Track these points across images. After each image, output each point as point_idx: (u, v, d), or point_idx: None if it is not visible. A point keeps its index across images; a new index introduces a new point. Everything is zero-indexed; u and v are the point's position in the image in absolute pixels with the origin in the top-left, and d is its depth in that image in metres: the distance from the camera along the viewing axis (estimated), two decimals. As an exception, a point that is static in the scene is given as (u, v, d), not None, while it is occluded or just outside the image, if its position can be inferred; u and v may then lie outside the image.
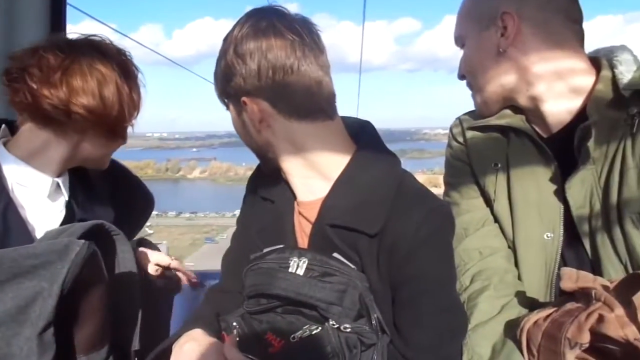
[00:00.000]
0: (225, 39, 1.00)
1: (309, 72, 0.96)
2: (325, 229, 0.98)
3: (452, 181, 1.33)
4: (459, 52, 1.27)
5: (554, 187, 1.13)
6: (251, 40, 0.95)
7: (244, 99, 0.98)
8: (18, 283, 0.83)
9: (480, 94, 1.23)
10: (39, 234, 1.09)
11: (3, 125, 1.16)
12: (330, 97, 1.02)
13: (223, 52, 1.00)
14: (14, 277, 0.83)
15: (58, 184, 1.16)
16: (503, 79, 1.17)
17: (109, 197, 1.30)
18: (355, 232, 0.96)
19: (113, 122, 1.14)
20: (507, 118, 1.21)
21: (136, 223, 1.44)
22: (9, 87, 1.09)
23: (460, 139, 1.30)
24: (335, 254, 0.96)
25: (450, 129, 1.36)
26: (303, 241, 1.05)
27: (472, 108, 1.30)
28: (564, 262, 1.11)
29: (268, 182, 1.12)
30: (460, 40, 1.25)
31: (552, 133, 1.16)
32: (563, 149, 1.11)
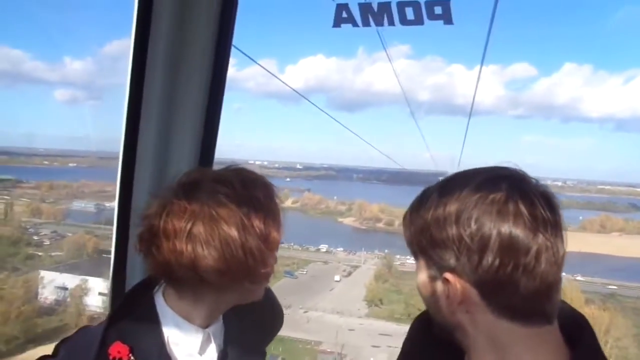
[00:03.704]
0: (444, 191, 0.83)
1: (544, 274, 0.78)
2: None
3: None
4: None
5: None
6: (483, 217, 0.78)
7: (447, 275, 0.83)
8: None
9: None
10: None
11: None
12: (557, 299, 0.83)
13: (439, 211, 0.82)
14: None
15: (209, 335, 1.18)
16: None
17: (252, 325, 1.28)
18: None
19: (247, 273, 1.10)
20: None
21: (266, 340, 1.38)
22: (142, 251, 1.11)
23: None
24: None
25: None
26: None
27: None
28: None
29: (445, 355, 0.95)
30: None
31: None
32: None
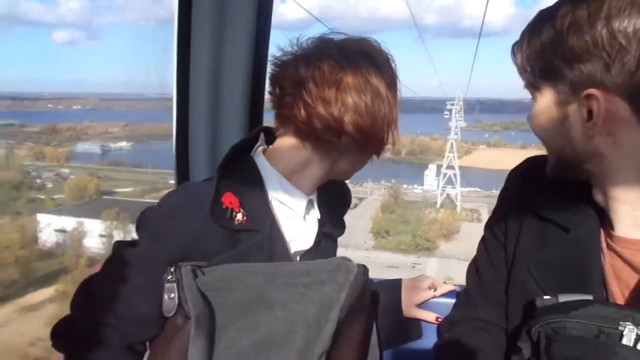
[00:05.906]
0: None
1: None
2: None
3: None
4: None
5: None
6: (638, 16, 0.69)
7: (591, 91, 0.74)
8: (286, 303, 0.84)
9: None
10: (294, 254, 1.12)
11: (262, 134, 1.15)
12: None
13: (580, 13, 0.72)
14: (283, 295, 0.86)
15: (311, 201, 1.15)
16: None
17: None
18: None
19: (377, 142, 1.08)
20: None
21: (343, 213, 1.35)
22: (280, 98, 1.06)
23: None
24: None
25: None
26: (618, 292, 0.82)
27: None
28: None
29: (554, 197, 0.88)
30: None
31: None
32: None
